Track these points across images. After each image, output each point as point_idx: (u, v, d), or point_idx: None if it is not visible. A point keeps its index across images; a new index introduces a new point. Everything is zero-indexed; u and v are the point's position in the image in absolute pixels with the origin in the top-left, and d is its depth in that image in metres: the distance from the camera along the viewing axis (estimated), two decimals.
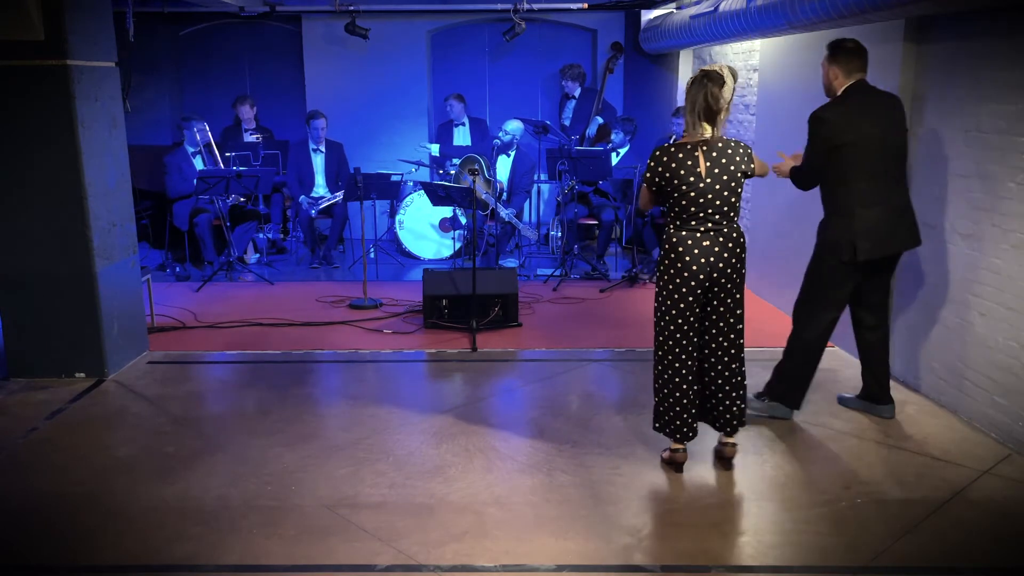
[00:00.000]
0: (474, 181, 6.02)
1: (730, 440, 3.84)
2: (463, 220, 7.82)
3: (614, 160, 7.77)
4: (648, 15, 8.66)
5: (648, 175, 3.64)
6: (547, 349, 5.58)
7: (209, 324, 6.09)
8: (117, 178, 5.10)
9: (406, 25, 9.14)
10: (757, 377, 4.94)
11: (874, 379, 4.37)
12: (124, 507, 3.51)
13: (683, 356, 3.68)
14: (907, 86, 4.65)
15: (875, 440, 4.11)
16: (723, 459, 3.86)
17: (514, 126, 7.96)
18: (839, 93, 4.05)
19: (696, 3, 7.20)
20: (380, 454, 3.98)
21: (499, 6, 8.63)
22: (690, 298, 3.60)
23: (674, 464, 3.83)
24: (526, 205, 8.24)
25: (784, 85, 6.27)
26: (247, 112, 8.51)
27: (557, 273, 7.43)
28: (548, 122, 8.33)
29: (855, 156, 3.94)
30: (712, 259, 3.57)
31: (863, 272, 4.11)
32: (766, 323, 6.10)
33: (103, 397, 4.77)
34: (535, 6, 8.53)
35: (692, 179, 3.53)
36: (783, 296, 6.42)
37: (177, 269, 7.69)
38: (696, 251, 3.56)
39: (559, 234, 7.99)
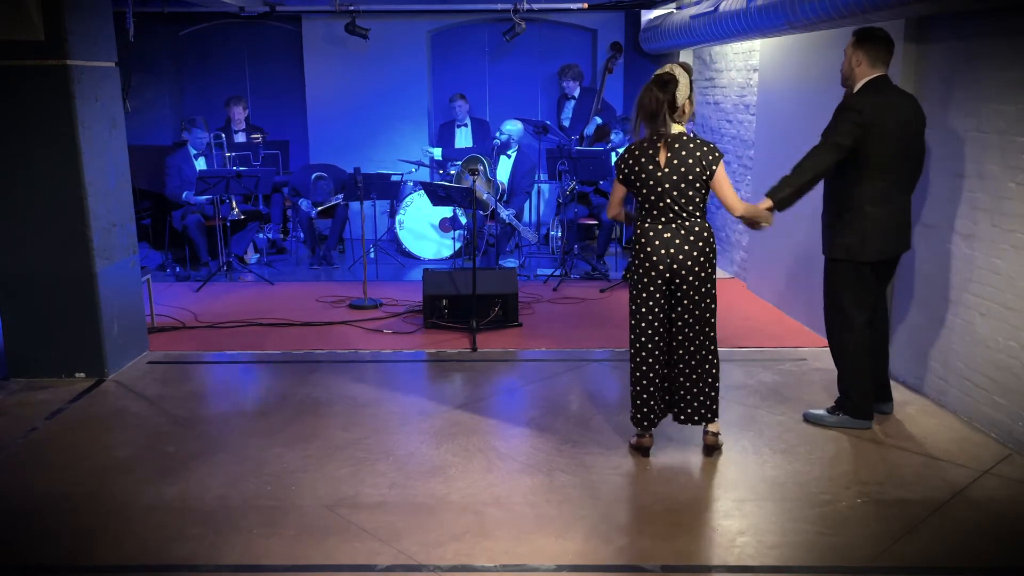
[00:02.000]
0: (475, 181, 6.02)
1: (711, 429, 3.92)
2: (463, 220, 7.82)
3: (613, 160, 7.77)
4: (648, 15, 8.67)
5: (617, 169, 3.78)
6: (547, 349, 5.58)
7: (209, 324, 6.09)
8: (117, 178, 5.10)
9: (406, 25, 9.14)
10: (758, 377, 4.95)
11: (877, 378, 4.35)
12: (124, 507, 3.51)
13: (649, 345, 3.79)
14: (907, 86, 4.65)
15: (875, 440, 4.11)
16: (707, 447, 3.93)
17: (511, 127, 7.95)
18: (861, 83, 3.96)
19: (696, 3, 7.20)
20: (380, 454, 3.98)
21: (499, 6, 8.62)
22: (652, 288, 3.73)
23: (640, 449, 3.95)
24: (526, 205, 8.24)
25: (784, 85, 6.27)
26: (239, 112, 8.47)
27: (557, 273, 7.44)
28: (548, 122, 8.33)
29: (876, 151, 3.87)
30: (672, 251, 3.67)
31: (874, 272, 4.10)
32: (766, 323, 6.10)
33: (103, 397, 4.77)
34: (535, 6, 8.53)
35: (651, 167, 3.66)
36: (783, 296, 6.43)
37: (177, 269, 7.69)
38: (657, 242, 3.69)
39: (559, 234, 8.00)
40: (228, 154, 7.87)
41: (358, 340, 5.77)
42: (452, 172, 8.03)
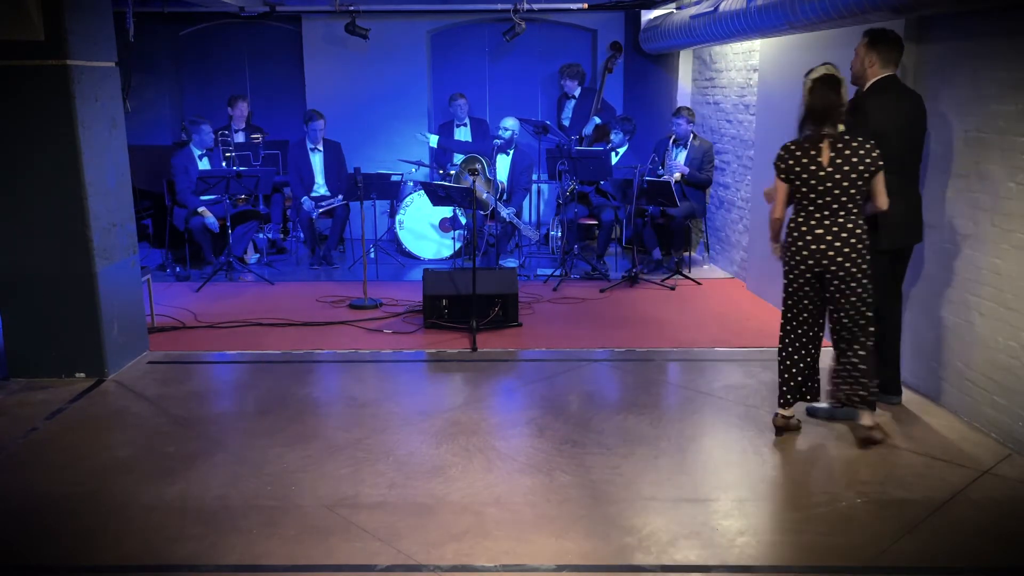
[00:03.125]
0: (474, 181, 6.02)
1: (865, 423, 4.03)
2: (463, 220, 7.82)
3: (613, 160, 7.77)
4: (648, 15, 8.66)
5: (777, 168, 3.90)
6: (547, 349, 5.58)
7: (209, 324, 6.09)
8: (117, 178, 5.10)
9: (406, 25, 9.14)
10: (758, 377, 4.96)
11: (887, 367, 4.44)
12: (124, 507, 3.51)
13: (798, 331, 4.05)
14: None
15: (875, 440, 4.10)
16: (862, 441, 4.04)
17: (512, 122, 7.96)
18: (871, 83, 4.15)
19: (696, 3, 7.20)
20: (380, 454, 3.98)
21: (499, 6, 8.62)
22: (801, 281, 3.95)
23: (775, 428, 4.16)
24: (526, 204, 8.24)
25: (784, 85, 6.27)
26: (242, 110, 8.41)
27: (557, 273, 7.43)
28: (548, 122, 8.32)
29: (888, 147, 3.99)
30: (823, 247, 3.84)
31: (885, 262, 4.25)
32: (767, 323, 6.10)
33: (103, 397, 4.77)
34: (535, 6, 8.53)
35: (813, 167, 3.82)
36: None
37: (177, 269, 7.69)
38: (809, 237, 3.86)
39: (559, 234, 7.99)
40: (228, 154, 7.86)
41: (358, 340, 5.77)
42: (451, 172, 8.03)
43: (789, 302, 4.04)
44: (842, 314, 3.95)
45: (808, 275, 3.92)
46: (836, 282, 3.89)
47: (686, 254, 7.98)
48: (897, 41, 4.13)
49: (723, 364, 5.23)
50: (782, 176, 3.91)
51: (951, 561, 3.11)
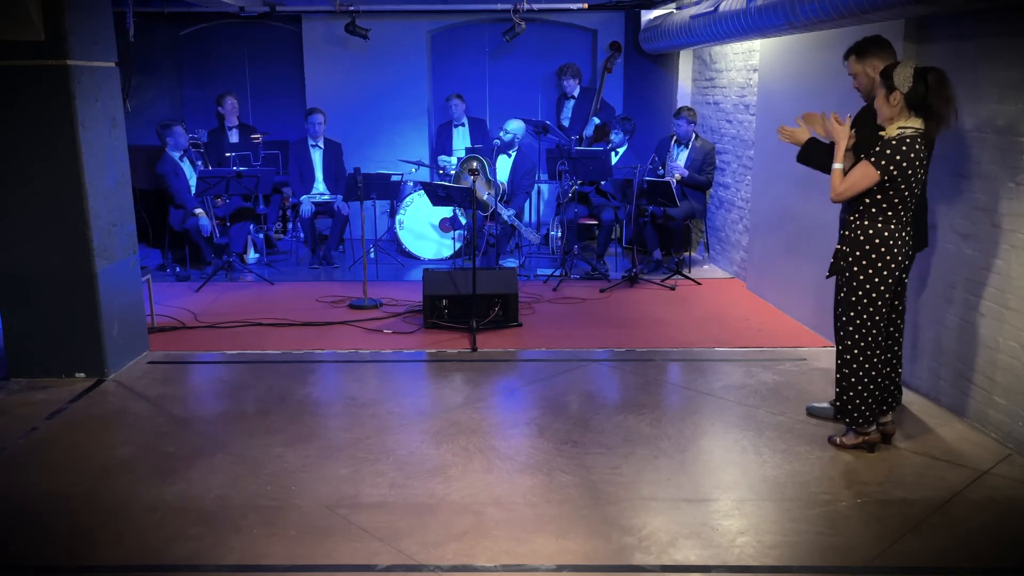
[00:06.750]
0: (474, 181, 6.01)
1: (888, 419, 4.06)
2: (463, 220, 7.82)
3: (613, 160, 7.78)
4: (648, 15, 8.66)
5: (889, 161, 3.60)
6: (547, 349, 5.58)
7: (209, 324, 6.09)
8: (117, 178, 5.10)
9: (406, 25, 9.14)
10: (758, 377, 4.96)
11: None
12: (124, 507, 3.51)
13: (880, 338, 3.84)
14: None
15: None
16: (888, 436, 4.06)
17: (515, 125, 7.95)
18: None
19: (696, 3, 7.20)
20: (380, 454, 3.98)
21: (499, 6, 8.63)
22: (882, 286, 3.76)
23: (875, 442, 4.00)
24: (526, 205, 8.24)
25: (784, 85, 6.27)
26: (232, 106, 8.28)
27: (557, 273, 7.43)
28: (548, 122, 8.32)
29: None
30: (906, 249, 3.79)
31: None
32: (766, 323, 6.10)
33: (103, 397, 4.77)
34: (535, 6, 8.53)
35: (922, 171, 3.68)
36: (783, 296, 6.42)
37: (177, 269, 7.69)
38: (900, 243, 3.75)
39: (559, 234, 7.99)
40: (229, 154, 7.86)
41: (358, 340, 5.77)
42: (452, 172, 8.03)
43: (871, 310, 3.77)
44: (895, 315, 3.98)
45: (890, 280, 3.74)
46: (904, 278, 3.93)
47: (686, 254, 7.98)
48: (883, 40, 4.03)
49: (723, 364, 5.24)
50: (893, 172, 3.58)
51: (951, 561, 3.11)
